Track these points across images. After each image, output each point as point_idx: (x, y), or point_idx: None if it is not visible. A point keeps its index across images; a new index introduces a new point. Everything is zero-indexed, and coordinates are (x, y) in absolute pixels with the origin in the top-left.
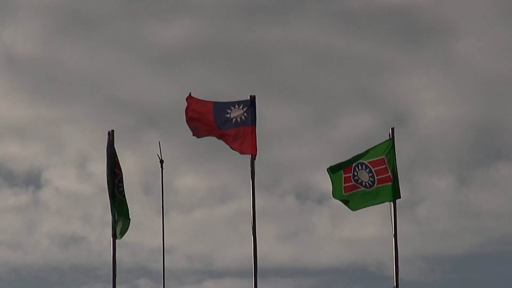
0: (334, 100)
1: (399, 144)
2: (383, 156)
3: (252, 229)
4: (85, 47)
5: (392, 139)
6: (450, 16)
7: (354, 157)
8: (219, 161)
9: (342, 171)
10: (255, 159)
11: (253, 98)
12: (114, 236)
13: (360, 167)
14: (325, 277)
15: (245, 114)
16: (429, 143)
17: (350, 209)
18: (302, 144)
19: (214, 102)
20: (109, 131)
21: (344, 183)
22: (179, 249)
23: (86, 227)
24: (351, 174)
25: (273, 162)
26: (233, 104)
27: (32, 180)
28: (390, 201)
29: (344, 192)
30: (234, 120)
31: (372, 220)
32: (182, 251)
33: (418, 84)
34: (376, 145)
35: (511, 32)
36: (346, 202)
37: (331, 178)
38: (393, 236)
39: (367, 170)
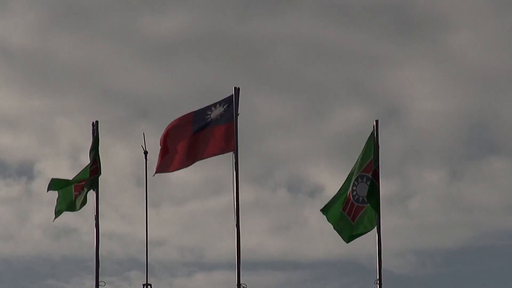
0: (327, 93)
1: (391, 138)
2: (372, 157)
3: (236, 222)
4: (79, 38)
5: (375, 132)
6: (443, 9)
7: (344, 184)
8: None
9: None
10: (237, 154)
11: (237, 90)
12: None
13: (357, 183)
14: (316, 270)
15: (222, 112)
16: (422, 136)
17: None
18: (294, 136)
19: (194, 111)
20: (93, 122)
21: (348, 214)
22: (171, 241)
23: (78, 219)
24: (352, 200)
25: (265, 155)
26: (214, 105)
27: (24, 171)
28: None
29: (353, 221)
30: (209, 119)
31: None
32: (173, 243)
33: (411, 78)
34: (364, 150)
35: (504, 26)
36: (356, 227)
37: (329, 220)
38: (376, 232)
39: (364, 179)
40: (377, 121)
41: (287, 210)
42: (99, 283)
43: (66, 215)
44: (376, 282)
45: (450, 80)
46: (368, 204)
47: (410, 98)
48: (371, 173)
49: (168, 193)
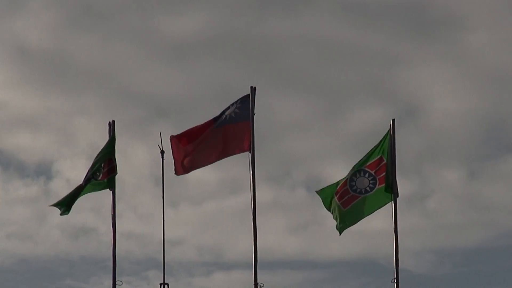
0: (344, 92)
1: (409, 137)
2: (381, 155)
3: (253, 221)
4: (96, 38)
5: (392, 131)
6: (461, 9)
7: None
8: None
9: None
10: (253, 153)
11: (253, 90)
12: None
13: (358, 175)
14: (334, 269)
15: (236, 110)
16: (439, 136)
17: (349, 224)
18: (313, 136)
19: (214, 118)
20: (109, 122)
21: (339, 200)
22: (189, 240)
23: (96, 218)
24: (347, 187)
25: (283, 154)
26: (232, 104)
27: (43, 171)
28: (390, 201)
29: (344, 207)
30: (224, 117)
31: (382, 213)
32: (191, 242)
33: (429, 77)
34: (375, 148)
35: None
36: (345, 216)
37: (322, 199)
38: (393, 231)
39: (366, 175)
40: (393, 121)
41: (305, 209)
42: (116, 283)
43: (84, 216)
44: (393, 281)
45: (468, 80)
46: (364, 195)
47: (428, 97)
48: (376, 169)
49: (186, 193)
